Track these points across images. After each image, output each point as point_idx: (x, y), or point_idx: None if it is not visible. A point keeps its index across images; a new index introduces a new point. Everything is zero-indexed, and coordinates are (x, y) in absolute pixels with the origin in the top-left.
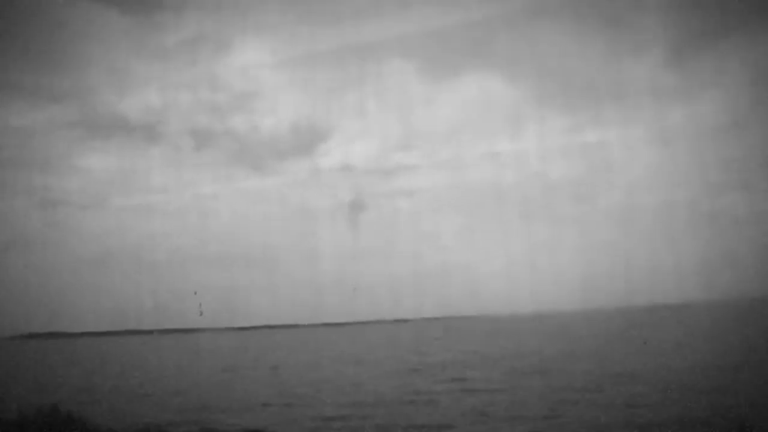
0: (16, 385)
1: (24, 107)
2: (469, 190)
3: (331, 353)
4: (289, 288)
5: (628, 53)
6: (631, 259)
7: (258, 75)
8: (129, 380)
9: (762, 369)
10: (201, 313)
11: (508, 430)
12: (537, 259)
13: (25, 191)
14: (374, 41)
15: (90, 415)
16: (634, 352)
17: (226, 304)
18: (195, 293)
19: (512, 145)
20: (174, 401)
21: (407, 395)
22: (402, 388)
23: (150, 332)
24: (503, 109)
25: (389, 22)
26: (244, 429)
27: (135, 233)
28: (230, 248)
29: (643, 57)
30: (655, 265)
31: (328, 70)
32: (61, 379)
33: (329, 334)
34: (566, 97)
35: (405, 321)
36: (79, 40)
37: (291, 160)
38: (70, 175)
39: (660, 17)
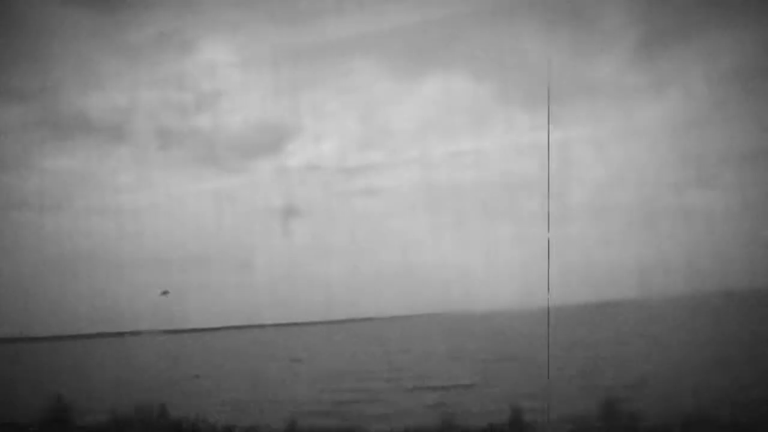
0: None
1: None
2: (434, 188)
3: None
4: (256, 287)
5: (594, 52)
6: (599, 256)
7: (224, 74)
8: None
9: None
10: (166, 293)
11: None
12: (502, 257)
13: None
14: (338, 40)
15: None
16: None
17: (198, 304)
18: (167, 293)
19: (477, 144)
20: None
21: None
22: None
23: (121, 335)
24: (468, 108)
25: (353, 21)
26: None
27: (99, 235)
28: (196, 249)
29: (609, 55)
30: (622, 261)
31: (293, 68)
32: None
33: (296, 333)
34: (531, 95)
35: (369, 320)
36: (40, 38)
37: (257, 159)
38: (32, 176)
39: (625, 16)
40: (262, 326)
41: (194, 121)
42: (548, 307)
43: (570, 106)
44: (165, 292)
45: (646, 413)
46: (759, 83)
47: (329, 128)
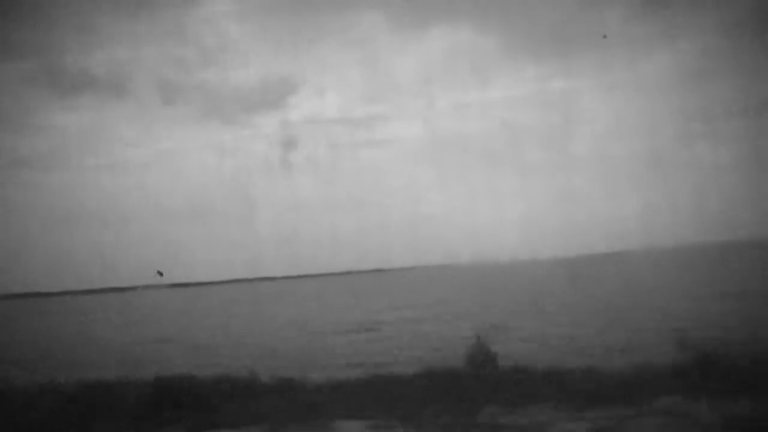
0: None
1: None
2: (439, 140)
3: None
4: (260, 240)
5: (600, 2)
6: (601, 207)
7: (225, 28)
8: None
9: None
10: (160, 274)
11: None
12: (505, 208)
13: None
14: None
15: None
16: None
17: (203, 257)
18: (160, 274)
19: (481, 96)
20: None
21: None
22: None
23: (134, 288)
24: (472, 60)
25: None
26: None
27: (103, 191)
28: (201, 202)
29: (615, 5)
30: (624, 212)
31: (296, 21)
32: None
33: (299, 285)
34: (536, 46)
35: (379, 271)
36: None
37: (261, 113)
38: (36, 134)
39: None
40: (269, 279)
41: (197, 75)
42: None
43: (577, 56)
44: (159, 273)
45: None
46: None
47: (333, 81)
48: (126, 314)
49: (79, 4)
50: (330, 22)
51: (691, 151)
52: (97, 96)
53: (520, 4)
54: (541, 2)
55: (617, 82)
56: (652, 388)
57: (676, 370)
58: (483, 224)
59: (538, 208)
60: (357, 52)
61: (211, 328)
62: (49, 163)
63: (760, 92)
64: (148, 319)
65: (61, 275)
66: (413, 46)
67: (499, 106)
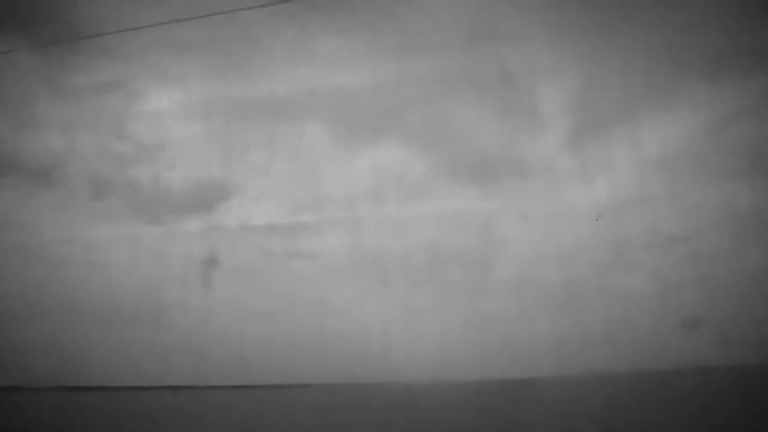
0: None
1: None
2: (371, 256)
3: None
4: (168, 345)
5: (529, 133)
6: (515, 332)
7: (165, 126)
8: None
9: None
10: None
11: None
12: (426, 328)
13: None
14: (287, 99)
15: None
16: None
17: (102, 360)
18: None
19: (405, 214)
20: None
21: None
22: None
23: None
24: (400, 180)
25: (303, 81)
26: None
27: (17, 280)
28: (118, 302)
29: (542, 139)
30: (538, 337)
31: (238, 127)
32: None
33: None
34: (464, 170)
35: (282, 387)
36: None
37: (191, 216)
38: None
39: (558, 103)
40: (171, 388)
41: (129, 171)
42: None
43: (501, 182)
44: None
45: None
46: (681, 171)
47: (265, 188)
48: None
49: (17, 86)
50: (271, 131)
51: (605, 280)
52: (21, 181)
53: (453, 131)
54: (473, 129)
55: (540, 211)
56: None
57: None
58: (399, 342)
59: (454, 329)
60: (297, 162)
61: None
62: None
63: (672, 226)
64: None
65: None
66: (349, 162)
67: (421, 225)
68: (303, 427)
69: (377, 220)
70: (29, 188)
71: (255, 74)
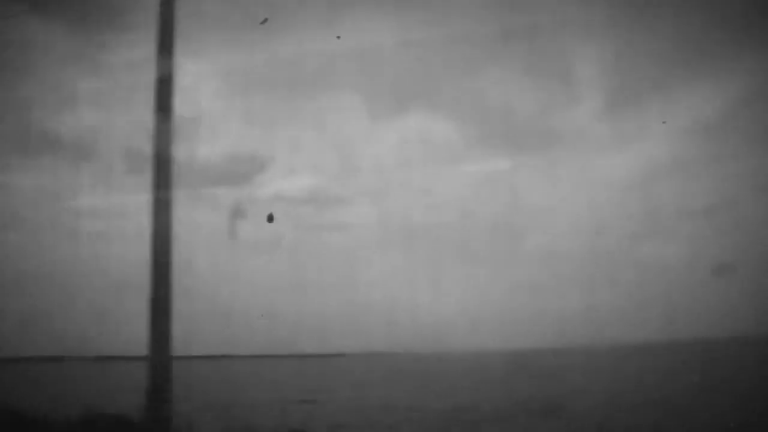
0: None
1: None
2: (399, 227)
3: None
4: (214, 318)
5: (563, 103)
6: (546, 302)
7: (199, 101)
8: None
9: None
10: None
11: None
12: (458, 298)
13: None
14: (321, 73)
15: None
16: None
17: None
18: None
19: (438, 185)
20: None
21: None
22: None
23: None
24: (437, 150)
25: (331, 51)
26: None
27: (57, 255)
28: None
29: (577, 107)
30: (576, 307)
31: (272, 99)
32: None
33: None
34: (499, 141)
35: (337, 356)
36: (17, 53)
37: (226, 189)
38: None
39: (595, 71)
40: (203, 357)
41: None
42: None
43: (534, 153)
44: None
45: None
46: (716, 139)
47: (302, 162)
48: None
49: (55, 64)
50: (307, 102)
51: (638, 250)
52: (60, 157)
53: (485, 99)
54: (505, 98)
55: (573, 180)
56: None
57: None
58: (431, 313)
59: (486, 299)
60: (331, 134)
61: None
62: (4, 222)
63: (707, 195)
64: None
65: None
66: (382, 132)
67: (456, 196)
68: (338, 390)
69: (407, 191)
70: (65, 164)
71: (285, 46)
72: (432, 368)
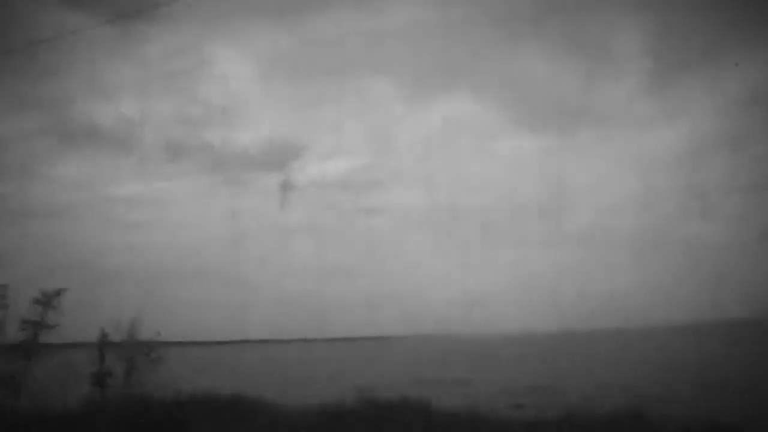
0: None
1: None
2: (440, 210)
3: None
4: (258, 304)
5: (605, 80)
6: (599, 282)
7: (236, 89)
8: None
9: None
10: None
11: None
12: (503, 281)
13: None
14: (356, 58)
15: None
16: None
17: (202, 319)
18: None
19: (479, 167)
20: None
21: None
22: None
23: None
24: (474, 132)
25: (370, 34)
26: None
27: (104, 244)
28: (201, 262)
29: (620, 84)
30: (622, 288)
31: (305, 85)
32: None
33: (300, 349)
34: (537, 120)
35: (378, 338)
36: (59, 48)
37: (264, 175)
38: (38, 183)
39: (638, 46)
40: (253, 341)
41: (204, 135)
42: None
43: (577, 131)
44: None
45: None
46: (764, 115)
47: (337, 146)
48: None
49: (95, 58)
50: (340, 87)
51: (689, 228)
52: (101, 148)
53: (525, 78)
54: (546, 77)
55: (616, 158)
56: None
57: None
58: (477, 295)
59: (534, 281)
60: (366, 118)
61: None
62: (50, 212)
63: (752, 172)
64: None
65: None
66: (422, 115)
67: (497, 177)
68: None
69: (448, 173)
70: (108, 154)
71: (322, 31)
72: (518, 350)
